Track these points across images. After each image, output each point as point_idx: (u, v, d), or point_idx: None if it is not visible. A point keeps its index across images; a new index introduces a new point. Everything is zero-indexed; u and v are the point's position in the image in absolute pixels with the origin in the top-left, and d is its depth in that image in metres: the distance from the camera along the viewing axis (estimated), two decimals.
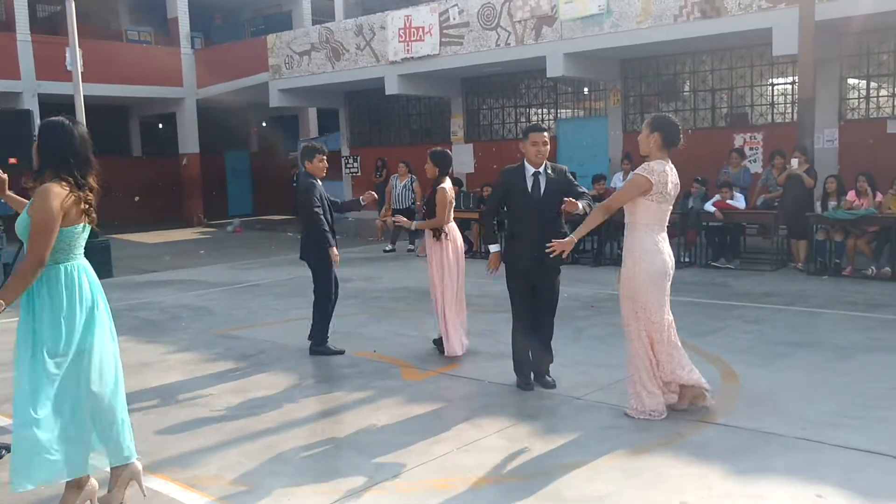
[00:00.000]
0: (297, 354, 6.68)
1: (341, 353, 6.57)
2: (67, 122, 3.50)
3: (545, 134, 5.29)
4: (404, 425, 4.82)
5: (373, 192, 6.97)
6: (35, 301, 3.39)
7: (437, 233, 6.29)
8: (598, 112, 15.92)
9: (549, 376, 5.48)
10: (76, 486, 3.56)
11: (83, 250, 3.55)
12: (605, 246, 11.75)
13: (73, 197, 3.36)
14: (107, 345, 3.55)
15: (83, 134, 3.50)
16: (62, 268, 3.43)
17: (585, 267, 11.33)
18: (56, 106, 15.29)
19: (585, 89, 15.99)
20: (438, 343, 6.54)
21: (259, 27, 23.56)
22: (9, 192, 3.80)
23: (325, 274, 6.57)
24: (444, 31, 15.51)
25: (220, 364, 6.47)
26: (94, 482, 3.63)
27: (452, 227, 6.43)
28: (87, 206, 3.43)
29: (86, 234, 3.52)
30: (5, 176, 3.80)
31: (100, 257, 10.74)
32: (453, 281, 6.31)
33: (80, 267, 3.50)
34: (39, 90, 18.21)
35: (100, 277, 3.70)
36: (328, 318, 6.65)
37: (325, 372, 6.17)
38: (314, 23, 21.24)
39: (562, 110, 16.62)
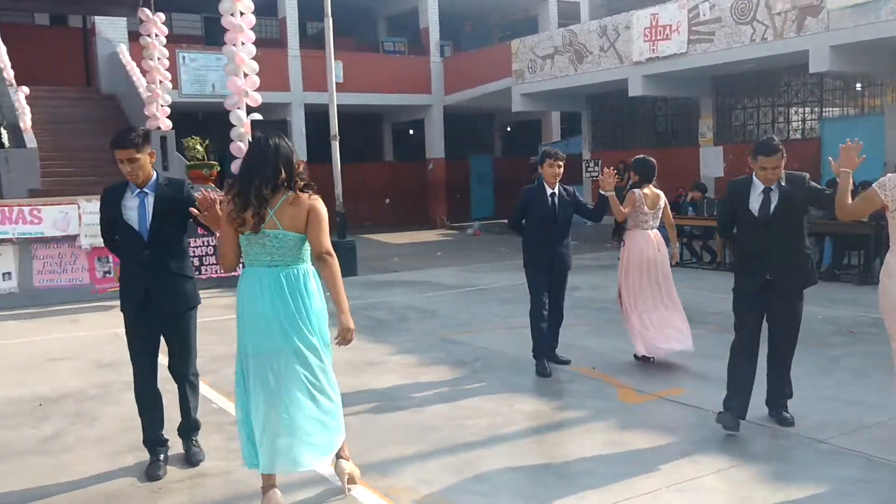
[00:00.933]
0: (513, 363, 6.52)
1: (547, 376, 6.09)
2: (255, 144, 3.70)
3: (776, 157, 4.50)
4: (614, 453, 4.45)
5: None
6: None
7: (617, 236, 6.31)
8: (873, 110, 14.11)
9: (787, 412, 4.79)
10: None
11: (273, 257, 3.60)
12: (874, 261, 10.31)
13: (231, 206, 3.60)
14: (283, 349, 3.60)
15: (261, 148, 3.61)
16: (243, 272, 3.77)
17: (848, 285, 10.03)
18: (319, 115, 16.68)
19: (858, 85, 14.25)
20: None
21: (506, 33, 23.93)
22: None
23: (528, 283, 6.34)
24: (693, 27, 14.62)
25: (437, 369, 6.49)
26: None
27: (634, 235, 6.39)
28: (260, 216, 3.53)
29: (264, 241, 3.56)
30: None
31: (346, 257, 11.40)
32: (631, 287, 6.35)
33: (247, 273, 3.70)
34: (305, 101, 19.89)
35: (344, 276, 3.85)
36: (536, 331, 6.22)
37: (539, 385, 5.94)
38: (559, 26, 21.11)
39: (828, 109, 14.97)
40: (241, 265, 3.82)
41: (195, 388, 4.48)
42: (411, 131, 25.08)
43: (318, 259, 3.61)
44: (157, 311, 4.19)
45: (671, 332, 6.30)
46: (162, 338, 4.35)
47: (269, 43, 21.67)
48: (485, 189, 25.63)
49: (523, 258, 6.40)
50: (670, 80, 15.90)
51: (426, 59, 22.26)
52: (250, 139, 3.36)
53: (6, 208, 9.67)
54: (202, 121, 20.21)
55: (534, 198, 6.23)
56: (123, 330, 4.34)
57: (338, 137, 13.54)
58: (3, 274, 9.71)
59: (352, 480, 3.96)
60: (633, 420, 5.03)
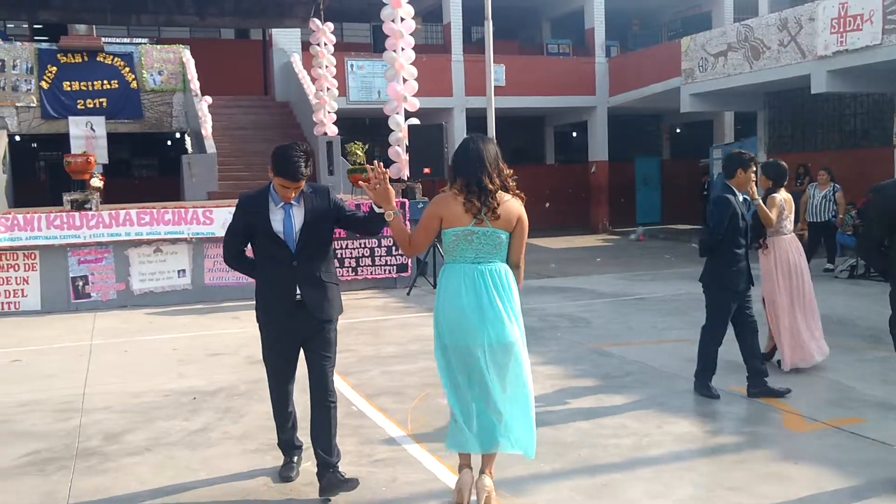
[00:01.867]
0: (666, 381, 6.07)
1: (716, 397, 5.53)
2: (465, 140, 3.86)
3: None
4: (772, 489, 3.96)
5: None
6: None
7: (761, 242, 6.12)
8: None
9: None
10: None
11: (477, 254, 3.73)
12: None
13: (453, 202, 3.69)
14: (489, 343, 3.72)
15: (481, 149, 3.75)
16: (444, 268, 3.85)
17: None
18: (479, 119, 16.69)
19: None
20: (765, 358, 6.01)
21: (677, 30, 22.91)
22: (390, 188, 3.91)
23: (716, 305, 5.59)
24: (889, 16, 13.23)
25: (583, 382, 6.17)
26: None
27: (778, 241, 6.17)
28: (475, 209, 3.66)
29: (472, 237, 3.70)
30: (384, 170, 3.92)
31: None
32: (779, 295, 6.11)
33: (450, 269, 3.80)
34: (467, 105, 19.99)
35: None
36: (708, 351, 5.60)
37: (693, 406, 5.47)
38: (735, 21, 19.90)
39: None
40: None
41: (334, 410, 4.10)
42: (574, 133, 24.57)
43: (514, 267, 3.83)
44: (305, 318, 4.01)
45: (814, 341, 6.14)
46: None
47: (434, 49, 22.02)
48: (651, 193, 24.63)
49: (716, 279, 5.53)
50: (860, 75, 14.48)
51: (591, 60, 21.73)
52: (457, 143, 3.30)
53: (183, 210, 10.32)
54: (369, 126, 20.86)
55: (733, 208, 5.49)
56: (261, 340, 4.20)
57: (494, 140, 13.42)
58: (179, 271, 10.38)
59: (488, 502, 3.75)
60: (797, 451, 4.49)
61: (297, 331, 4.06)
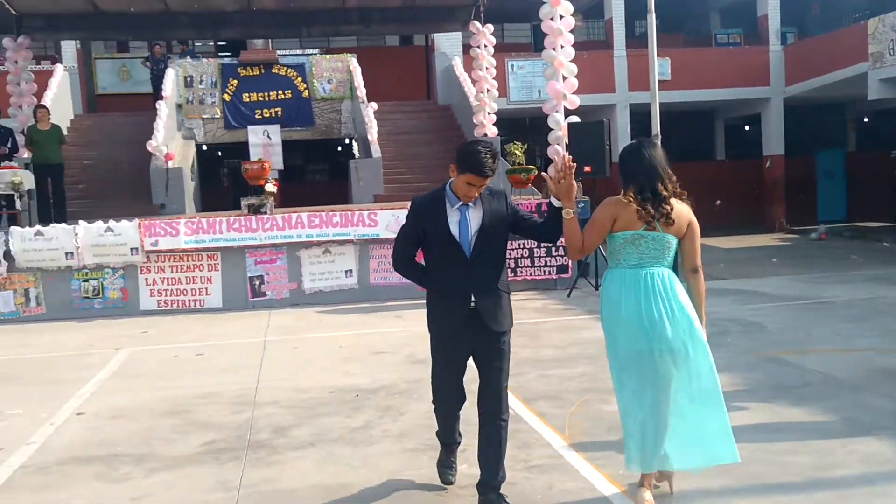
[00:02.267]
0: (851, 394, 5.56)
1: None
2: (636, 146, 3.87)
3: None
4: None
5: None
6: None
7: None
8: None
9: None
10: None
11: (642, 258, 3.72)
12: None
13: (627, 206, 3.69)
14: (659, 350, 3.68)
15: (654, 156, 3.76)
16: (607, 272, 3.85)
17: None
18: (643, 115, 16.17)
19: None
20: None
21: (863, 12, 21.07)
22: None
23: None
24: None
25: (755, 392, 5.76)
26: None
27: None
28: (648, 216, 3.66)
29: (640, 242, 3.69)
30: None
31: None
32: None
33: (614, 274, 3.80)
34: (630, 101, 19.42)
35: None
36: None
37: (886, 422, 4.95)
38: None
39: None
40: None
41: (506, 429, 3.87)
42: (746, 127, 23.23)
43: (692, 272, 3.81)
44: (479, 328, 3.80)
45: None
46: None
47: (596, 45, 21.57)
48: (835, 188, 22.78)
49: None
50: None
51: (764, 49, 20.44)
52: (620, 140, 3.21)
53: (349, 212, 10.71)
54: (529, 126, 20.77)
55: None
56: (432, 349, 4.01)
57: (659, 137, 12.93)
58: (346, 271, 10.78)
59: None
60: None
61: (469, 341, 3.85)
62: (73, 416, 5.83)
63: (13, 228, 10.32)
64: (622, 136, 18.45)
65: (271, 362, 7.39)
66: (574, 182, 3.77)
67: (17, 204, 11.86)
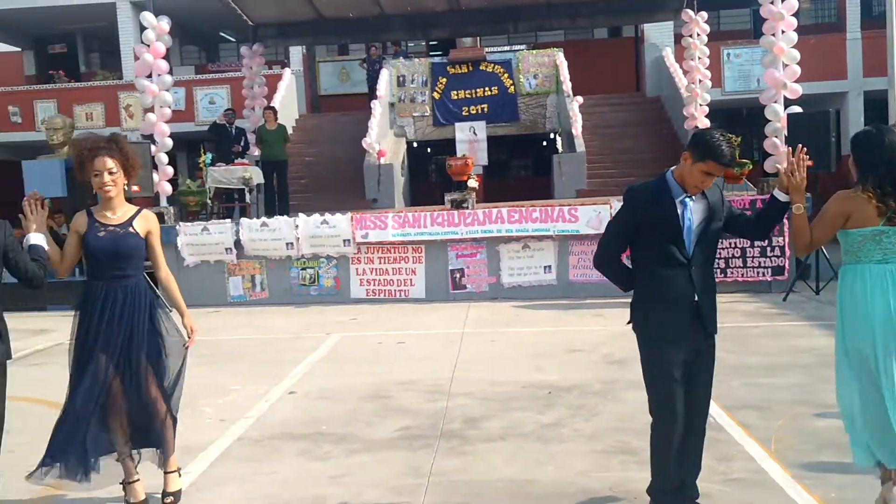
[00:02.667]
0: None
1: None
2: (874, 133, 3.60)
3: None
4: None
5: None
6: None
7: None
8: None
9: None
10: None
11: (886, 253, 3.51)
12: None
13: (862, 202, 3.47)
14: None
15: (892, 141, 3.51)
16: (845, 269, 3.63)
17: None
18: (880, 102, 14.64)
19: None
20: None
21: None
22: None
23: None
24: None
25: None
26: None
27: None
28: (888, 212, 3.45)
29: (881, 237, 3.49)
30: None
31: None
32: None
33: (855, 270, 3.57)
34: (865, 87, 17.68)
35: None
36: None
37: None
38: None
39: None
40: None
41: (703, 438, 3.73)
42: None
43: None
44: (698, 330, 3.58)
45: None
46: None
47: (825, 28, 19.87)
48: None
49: None
50: None
51: None
52: (852, 130, 3.04)
53: (549, 208, 10.66)
54: (746, 117, 19.56)
55: None
56: (648, 355, 3.66)
57: None
58: (545, 267, 10.74)
59: None
60: None
61: (689, 344, 3.58)
62: (285, 394, 6.30)
63: (243, 220, 11.33)
64: (854, 127, 16.84)
65: (467, 354, 7.53)
66: (805, 176, 3.54)
67: (248, 197, 13.03)
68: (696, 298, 3.53)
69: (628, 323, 3.74)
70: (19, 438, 5.28)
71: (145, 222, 4.06)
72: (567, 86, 16.31)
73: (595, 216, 10.41)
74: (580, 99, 15.88)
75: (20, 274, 3.77)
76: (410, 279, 10.94)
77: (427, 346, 8.04)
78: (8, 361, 3.86)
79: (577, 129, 15.23)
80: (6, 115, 20.86)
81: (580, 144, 15.06)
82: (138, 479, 4.06)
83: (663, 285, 3.56)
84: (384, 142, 15.80)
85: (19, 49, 24.44)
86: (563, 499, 4.04)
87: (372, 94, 16.88)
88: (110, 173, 3.90)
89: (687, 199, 3.53)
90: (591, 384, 6.22)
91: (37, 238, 3.83)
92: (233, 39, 24.22)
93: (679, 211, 3.51)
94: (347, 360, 7.56)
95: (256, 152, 13.92)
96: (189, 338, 4.21)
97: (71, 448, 3.86)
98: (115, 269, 3.95)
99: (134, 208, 4.08)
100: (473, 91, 17.18)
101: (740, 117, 19.83)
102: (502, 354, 7.50)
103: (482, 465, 4.55)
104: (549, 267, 10.74)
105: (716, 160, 3.40)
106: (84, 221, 3.99)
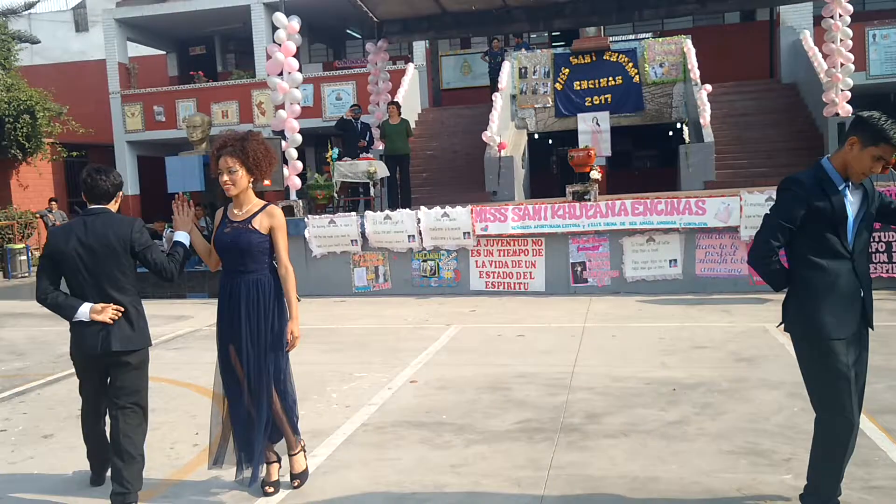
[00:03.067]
0: None
1: None
2: None
3: None
4: None
5: None
6: None
7: None
8: None
9: None
10: None
11: None
12: None
13: None
14: None
15: None
16: None
17: None
18: None
19: None
20: None
21: None
22: None
23: None
24: None
25: None
26: None
27: None
28: None
29: None
30: None
31: None
32: None
33: None
34: None
35: None
36: None
37: None
38: None
39: None
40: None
41: None
42: None
43: None
44: (862, 327, 3.46)
45: None
46: None
47: None
48: None
49: None
50: None
51: None
52: None
53: (675, 200, 10.33)
54: (894, 102, 18.27)
55: None
56: (816, 356, 3.44)
57: None
58: (670, 261, 10.42)
59: None
60: None
61: (855, 342, 3.44)
62: (407, 383, 6.42)
63: (367, 213, 11.61)
64: None
65: (589, 348, 7.42)
66: None
67: (372, 191, 13.36)
68: (862, 293, 3.39)
69: (779, 325, 3.56)
70: (162, 417, 5.66)
71: (268, 219, 4.08)
72: (695, 74, 15.73)
73: (724, 209, 10.02)
74: (709, 87, 15.29)
75: (150, 267, 4.12)
76: (530, 272, 10.89)
77: (547, 339, 7.98)
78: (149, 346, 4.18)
79: (706, 118, 14.66)
80: (152, 115, 22.29)
81: (708, 134, 14.49)
82: (275, 461, 4.24)
83: (828, 280, 3.37)
84: (505, 134, 15.78)
85: (164, 52, 26.03)
86: (685, 497, 3.92)
87: (494, 86, 16.89)
88: (230, 172, 4.02)
89: (845, 189, 3.37)
90: (718, 382, 5.99)
91: (180, 236, 4.16)
92: (358, 36, 24.83)
93: (842, 202, 3.36)
94: (467, 350, 7.62)
95: (380, 146, 14.23)
96: (290, 343, 4.13)
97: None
98: (238, 264, 4.09)
99: (260, 204, 4.14)
100: (597, 81, 16.86)
101: (888, 102, 18.53)
102: (624, 349, 7.34)
103: (603, 461, 4.47)
104: (675, 261, 10.42)
105: (889, 142, 3.22)
106: (219, 217, 4.20)
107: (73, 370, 4.29)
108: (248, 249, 4.05)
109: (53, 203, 20.12)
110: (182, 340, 8.67)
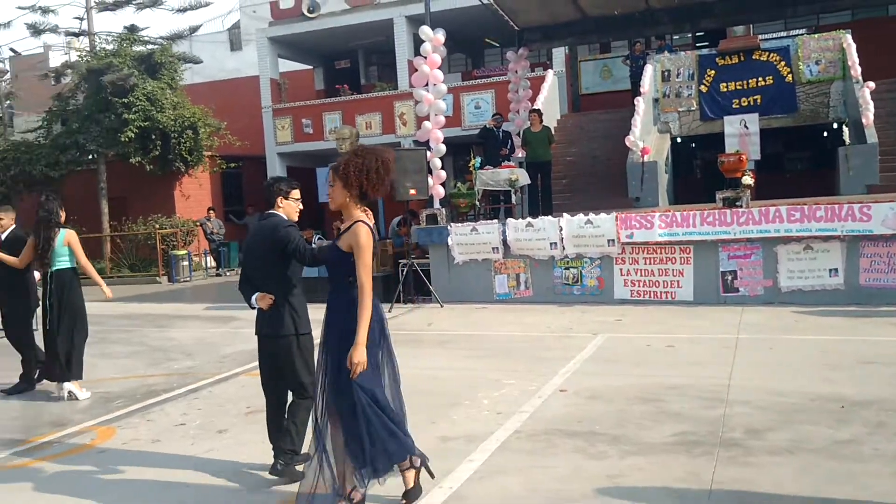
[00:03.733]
0: None
1: None
2: None
3: None
4: None
5: None
6: None
7: None
8: None
9: None
10: None
11: None
12: None
13: None
14: None
15: None
16: None
17: None
18: None
19: None
20: None
21: None
22: None
23: None
24: None
25: None
26: None
27: None
28: None
29: None
30: None
31: None
32: None
33: None
34: None
35: None
36: None
37: None
38: None
39: None
40: None
41: None
42: None
43: None
44: None
45: None
46: None
47: None
48: None
49: None
50: None
51: None
52: None
53: (836, 205, 9.76)
54: None
55: None
56: None
57: None
58: (830, 270, 9.85)
59: None
60: None
61: None
62: (556, 391, 6.42)
63: (509, 220, 11.68)
64: None
65: (744, 361, 7.14)
66: None
67: (513, 198, 13.43)
68: None
69: None
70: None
71: (349, 237, 4.00)
72: (856, 70, 14.81)
73: (892, 214, 9.39)
74: (871, 84, 14.33)
75: (303, 258, 4.61)
76: (678, 280, 10.61)
77: (698, 350, 7.75)
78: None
79: (869, 117, 13.76)
80: (300, 127, 23.38)
81: (872, 135, 13.60)
82: (409, 468, 4.19)
83: None
84: (647, 138, 15.44)
85: (311, 67, 27.26)
86: None
87: (635, 90, 16.58)
88: (329, 186, 4.16)
89: None
90: (892, 400, 5.62)
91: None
92: (497, 45, 25.03)
93: None
94: (615, 360, 7.52)
95: (521, 154, 14.28)
96: (350, 370, 3.91)
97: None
98: (330, 278, 4.20)
99: (353, 221, 4.05)
100: (745, 82, 16.20)
101: None
102: (783, 363, 7.01)
103: (768, 478, 4.30)
104: (836, 270, 9.85)
105: None
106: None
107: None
108: (331, 265, 4.13)
109: (211, 212, 21.52)
110: None
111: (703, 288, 10.47)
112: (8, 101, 31.69)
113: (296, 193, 4.83)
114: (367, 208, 4.17)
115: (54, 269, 7.08)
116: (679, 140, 17.61)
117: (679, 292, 10.61)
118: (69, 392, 7.06)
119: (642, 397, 6.07)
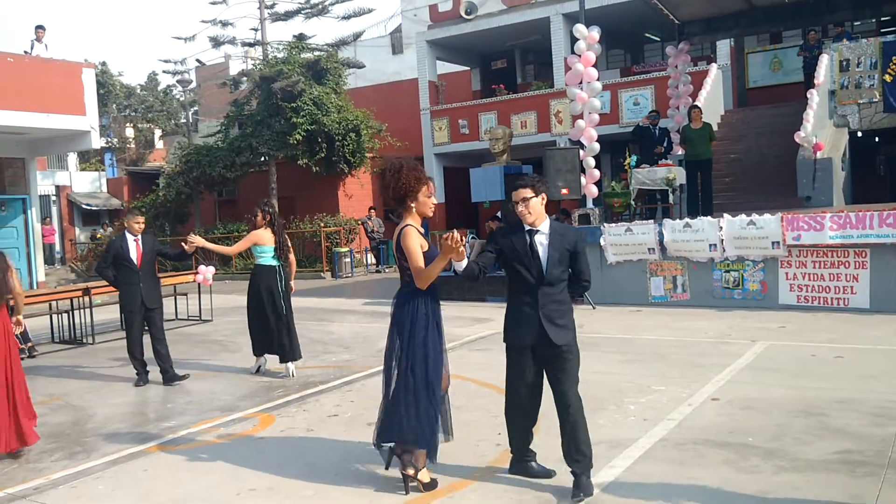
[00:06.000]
0: None
1: None
2: None
3: None
4: None
5: None
6: None
7: None
8: None
9: None
10: None
11: None
12: None
13: None
14: None
15: None
16: None
17: None
18: None
19: None
20: None
21: None
22: None
23: None
24: None
25: None
26: None
27: None
28: None
29: None
30: None
31: None
32: None
33: None
34: None
35: None
36: None
37: None
38: None
39: None
40: None
41: None
42: None
43: None
44: None
45: None
46: None
47: None
48: None
49: None
50: None
51: None
52: None
53: None
54: None
55: None
56: None
57: None
58: None
59: None
60: None
61: None
62: (707, 400, 6.15)
63: (666, 220, 11.31)
64: None
65: None
66: None
67: (671, 198, 12.98)
68: None
69: None
70: (466, 416, 6.01)
71: (399, 239, 4.56)
72: None
73: None
74: None
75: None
76: (851, 286, 9.85)
77: (872, 362, 7.16)
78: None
79: None
80: (457, 128, 23.77)
81: None
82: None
83: None
84: (822, 133, 14.40)
85: (468, 68, 27.64)
86: None
87: (808, 82, 15.53)
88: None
89: None
90: None
91: (459, 266, 4.38)
92: (657, 39, 24.28)
93: None
94: (775, 370, 7.09)
95: (680, 152, 13.78)
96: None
97: None
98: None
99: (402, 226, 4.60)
100: None
101: None
102: None
103: None
104: None
105: None
106: None
107: None
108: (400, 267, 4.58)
109: (372, 211, 22.33)
110: (483, 342, 9.13)
111: (881, 295, 9.66)
112: (194, 108, 34.42)
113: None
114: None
115: (280, 262, 8.07)
116: (859, 135, 16.32)
117: (853, 298, 9.85)
118: (293, 371, 8.02)
119: (803, 410, 5.70)
